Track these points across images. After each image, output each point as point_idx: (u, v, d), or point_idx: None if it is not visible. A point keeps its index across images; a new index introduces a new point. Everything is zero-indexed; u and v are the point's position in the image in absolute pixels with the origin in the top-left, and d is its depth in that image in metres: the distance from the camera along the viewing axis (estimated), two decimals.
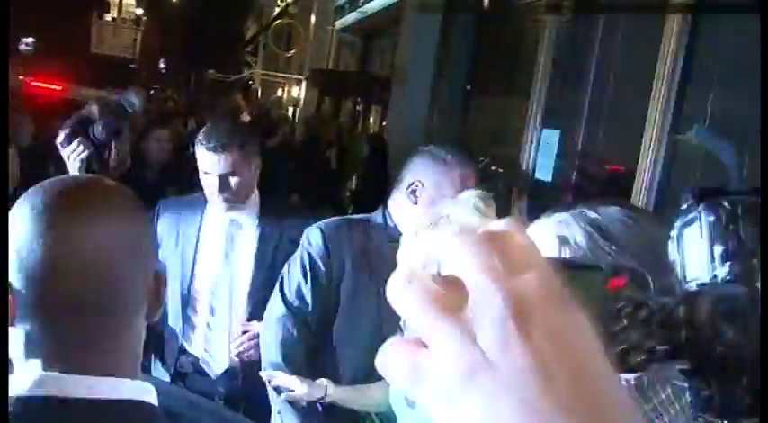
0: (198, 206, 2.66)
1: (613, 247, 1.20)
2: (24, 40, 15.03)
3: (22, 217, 0.97)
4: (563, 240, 1.23)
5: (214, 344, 2.60)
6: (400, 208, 2.21)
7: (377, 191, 5.56)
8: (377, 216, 2.28)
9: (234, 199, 2.51)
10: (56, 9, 16.12)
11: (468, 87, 5.66)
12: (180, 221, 2.66)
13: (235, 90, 16.27)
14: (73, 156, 2.86)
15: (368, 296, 2.15)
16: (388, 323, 1.87)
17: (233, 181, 2.48)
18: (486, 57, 5.42)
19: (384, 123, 9.17)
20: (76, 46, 16.79)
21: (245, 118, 10.53)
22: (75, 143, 2.87)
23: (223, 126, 2.64)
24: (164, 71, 22.33)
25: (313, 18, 12.15)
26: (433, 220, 1.76)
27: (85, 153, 2.86)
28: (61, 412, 0.93)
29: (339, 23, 10.97)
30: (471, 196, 1.82)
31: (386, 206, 2.27)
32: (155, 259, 1.11)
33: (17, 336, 0.98)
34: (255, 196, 2.63)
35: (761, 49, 3.53)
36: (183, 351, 2.61)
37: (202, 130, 2.57)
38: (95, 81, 10.68)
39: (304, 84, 11.79)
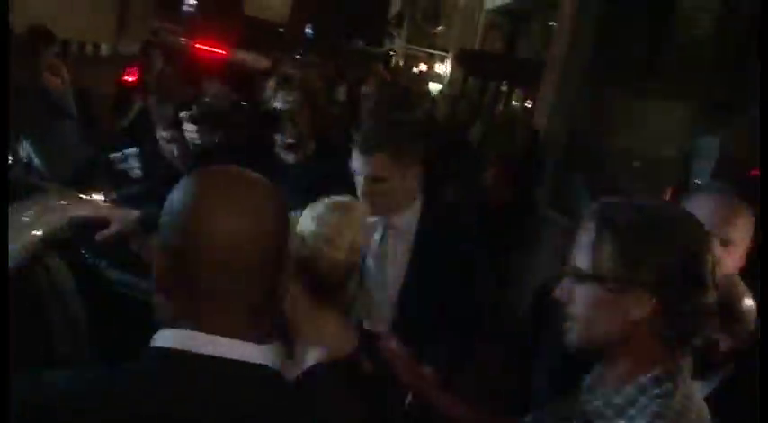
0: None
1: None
2: (187, 1, 15.65)
3: (221, 199, 1.12)
4: (606, 221, 1.40)
5: None
6: None
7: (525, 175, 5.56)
8: None
9: (381, 206, 2.39)
10: None
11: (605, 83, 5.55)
12: None
13: (377, 61, 16.45)
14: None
15: None
16: None
17: (382, 187, 2.38)
18: (649, 53, 5.30)
19: (527, 105, 9.11)
20: (231, 8, 17.34)
21: (389, 90, 10.70)
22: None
23: (379, 125, 2.47)
24: (310, 37, 22.85)
25: None
26: None
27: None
28: (195, 366, 1.07)
29: (489, 3, 10.90)
30: (320, 205, 1.78)
31: None
32: None
33: (164, 299, 1.13)
34: (417, 205, 2.50)
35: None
36: None
37: (360, 129, 2.45)
38: (247, 44, 10.93)
39: (448, 61, 11.82)
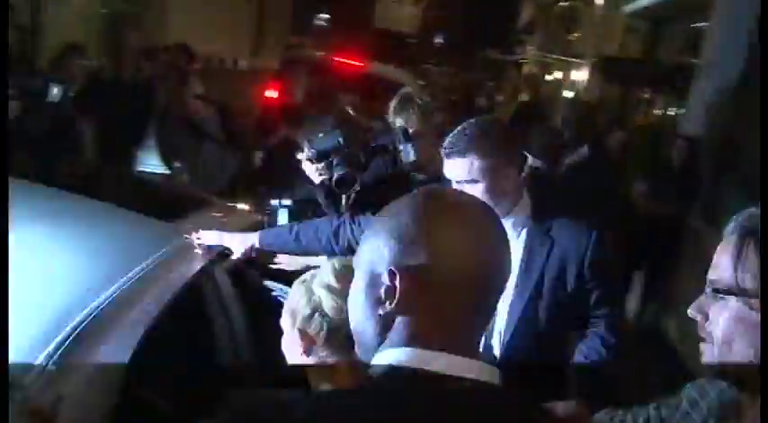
0: None
1: None
2: (318, 15, 16.01)
3: (461, 221, 1.15)
4: (750, 231, 1.29)
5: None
6: None
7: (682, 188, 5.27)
8: None
9: None
10: None
11: None
12: None
13: (509, 70, 16.26)
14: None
15: None
16: None
17: (474, 189, 2.31)
18: None
19: (669, 113, 8.71)
20: (362, 21, 17.62)
21: (524, 98, 10.51)
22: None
23: (469, 129, 2.40)
24: (439, 47, 22.81)
25: (600, 1, 11.76)
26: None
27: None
28: (429, 384, 1.07)
29: (628, 7, 10.51)
30: (330, 264, 1.79)
31: None
32: None
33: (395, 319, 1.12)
34: (524, 202, 2.44)
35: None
36: None
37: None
38: (378, 55, 10.95)
39: (585, 68, 11.48)
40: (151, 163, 4.91)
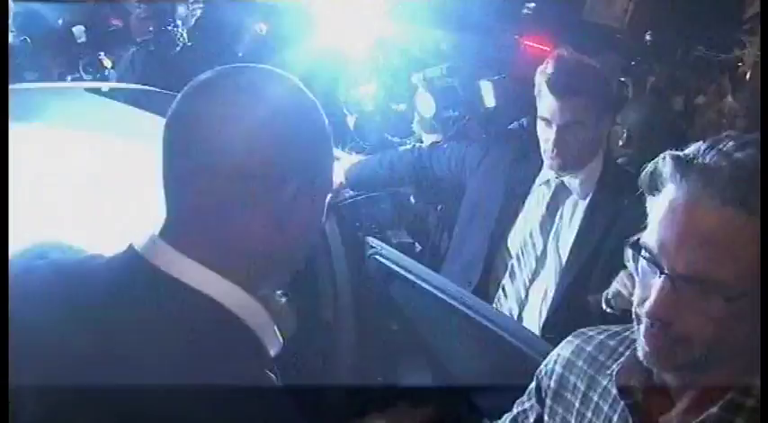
0: (535, 160, 2.40)
1: None
2: (527, 4, 15.83)
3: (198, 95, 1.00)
4: None
5: (504, 309, 2.37)
6: None
7: None
8: None
9: (569, 159, 2.25)
10: None
11: None
12: (511, 168, 2.45)
13: (720, 70, 15.13)
14: None
15: None
16: None
17: (574, 134, 2.22)
18: None
19: None
20: (569, 12, 17.09)
21: (729, 102, 9.68)
22: None
23: (577, 66, 2.29)
24: (648, 44, 21.68)
25: None
26: None
27: None
28: (158, 283, 0.97)
29: None
30: None
31: None
32: (311, 170, 1.04)
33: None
34: (598, 163, 2.32)
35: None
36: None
37: (551, 69, 2.24)
38: (583, 47, 10.68)
39: None
40: None
